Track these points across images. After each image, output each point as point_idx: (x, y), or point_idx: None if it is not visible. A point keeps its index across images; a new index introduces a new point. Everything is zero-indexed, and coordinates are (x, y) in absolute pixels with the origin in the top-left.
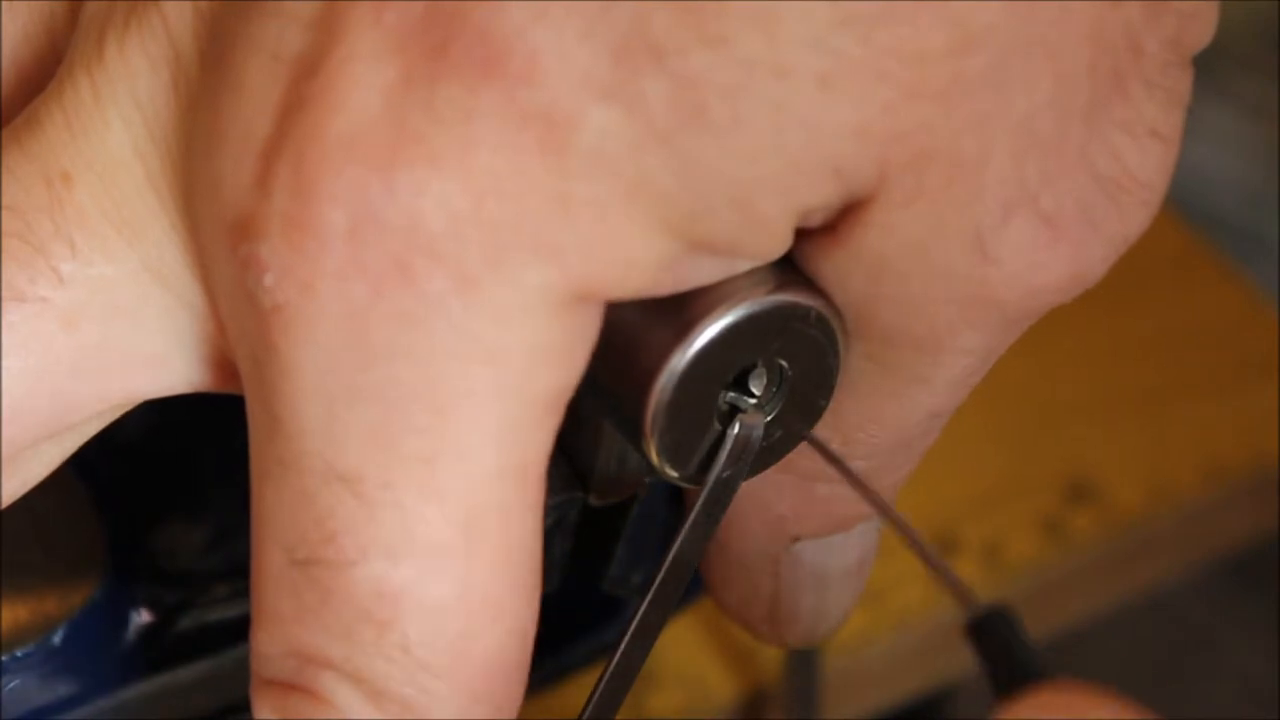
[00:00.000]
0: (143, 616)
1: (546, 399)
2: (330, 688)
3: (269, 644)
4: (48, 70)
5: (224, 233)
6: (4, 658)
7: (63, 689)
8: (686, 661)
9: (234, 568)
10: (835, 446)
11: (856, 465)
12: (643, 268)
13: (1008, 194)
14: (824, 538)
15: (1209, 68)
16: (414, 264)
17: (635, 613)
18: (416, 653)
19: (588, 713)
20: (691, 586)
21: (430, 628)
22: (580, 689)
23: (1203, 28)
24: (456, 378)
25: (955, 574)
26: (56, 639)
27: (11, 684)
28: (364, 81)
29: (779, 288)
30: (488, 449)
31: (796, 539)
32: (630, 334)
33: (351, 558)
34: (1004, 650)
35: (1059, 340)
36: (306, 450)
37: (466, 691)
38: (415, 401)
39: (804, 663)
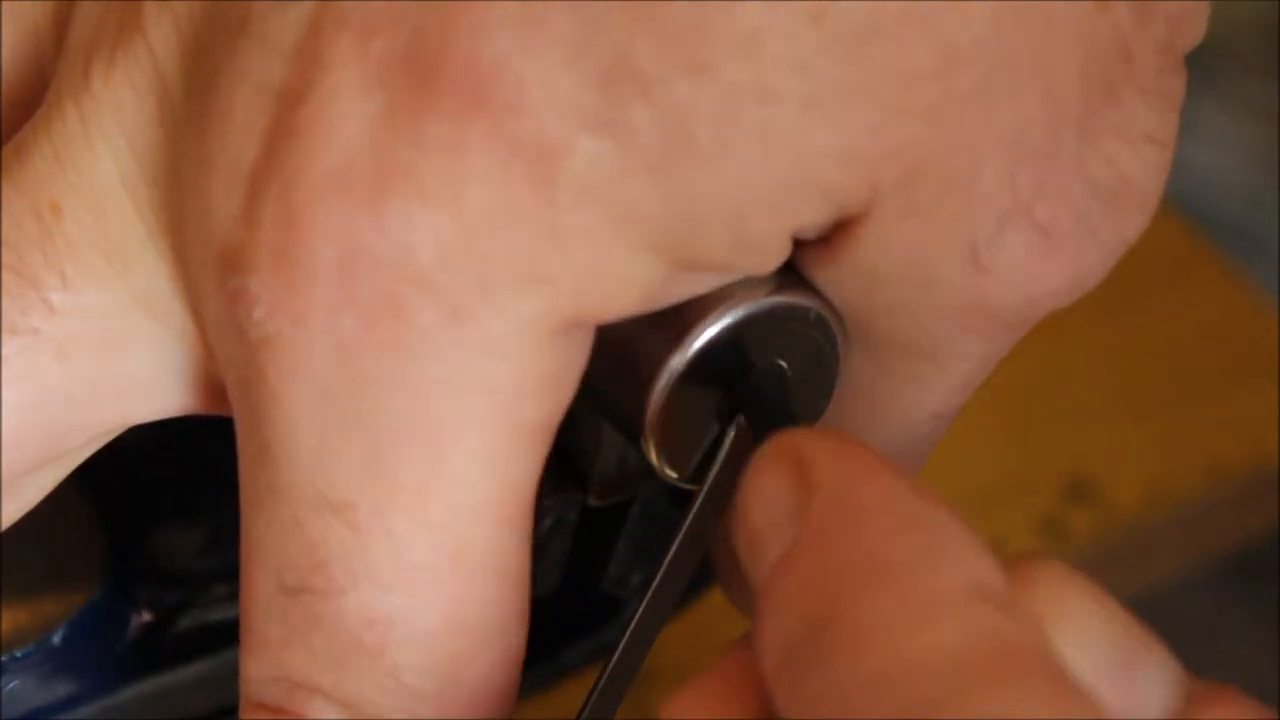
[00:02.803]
0: (142, 616)
1: (537, 426)
2: (319, 713)
3: (258, 668)
4: (35, 95)
5: (213, 264)
6: (4, 658)
7: (62, 689)
8: (686, 661)
9: (233, 568)
10: None
11: None
12: (634, 291)
13: (1001, 206)
14: None
15: (1209, 68)
16: (404, 296)
17: (635, 613)
18: (406, 680)
19: (586, 713)
20: (691, 586)
21: (420, 655)
22: (580, 689)
23: (1193, 29)
24: (448, 408)
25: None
26: (56, 639)
27: (11, 684)
28: (350, 113)
29: (778, 289)
30: (479, 477)
31: None
32: (630, 335)
33: (342, 586)
34: (772, 410)
35: (1059, 340)
36: (297, 479)
37: (455, 717)
38: (406, 431)
39: None
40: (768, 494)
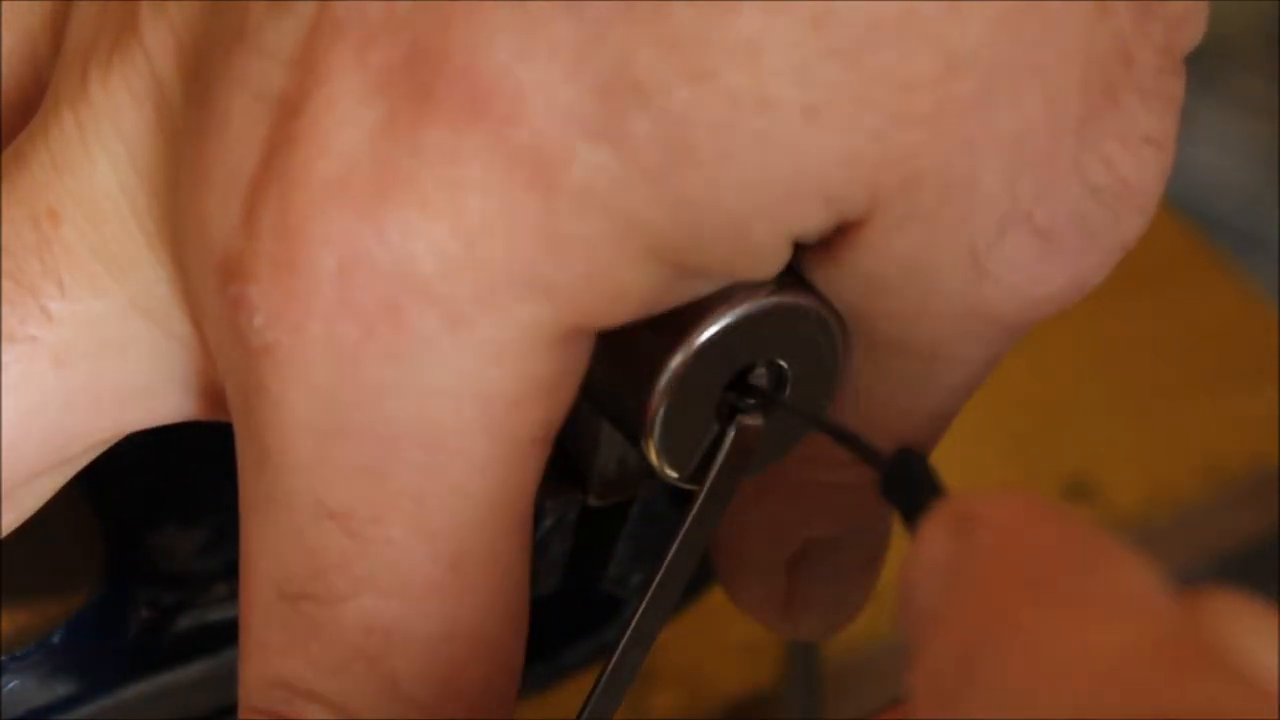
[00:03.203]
0: (142, 616)
1: (537, 434)
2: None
3: (257, 674)
4: (33, 100)
5: (212, 272)
6: (4, 658)
7: (62, 689)
8: (686, 661)
9: (233, 568)
10: (835, 449)
11: (860, 470)
12: (634, 298)
13: (1001, 211)
14: (835, 535)
15: (1209, 68)
16: (405, 305)
17: (635, 612)
18: (405, 688)
19: (586, 712)
20: (691, 586)
21: (419, 663)
22: (580, 689)
23: (1192, 30)
24: (448, 416)
25: (866, 441)
26: (56, 639)
27: (11, 684)
28: (349, 122)
29: (779, 289)
30: (478, 484)
31: (808, 537)
32: (630, 335)
33: (341, 594)
34: (917, 492)
35: (1059, 340)
36: (296, 486)
37: None
38: (406, 438)
39: (804, 661)
40: (925, 548)
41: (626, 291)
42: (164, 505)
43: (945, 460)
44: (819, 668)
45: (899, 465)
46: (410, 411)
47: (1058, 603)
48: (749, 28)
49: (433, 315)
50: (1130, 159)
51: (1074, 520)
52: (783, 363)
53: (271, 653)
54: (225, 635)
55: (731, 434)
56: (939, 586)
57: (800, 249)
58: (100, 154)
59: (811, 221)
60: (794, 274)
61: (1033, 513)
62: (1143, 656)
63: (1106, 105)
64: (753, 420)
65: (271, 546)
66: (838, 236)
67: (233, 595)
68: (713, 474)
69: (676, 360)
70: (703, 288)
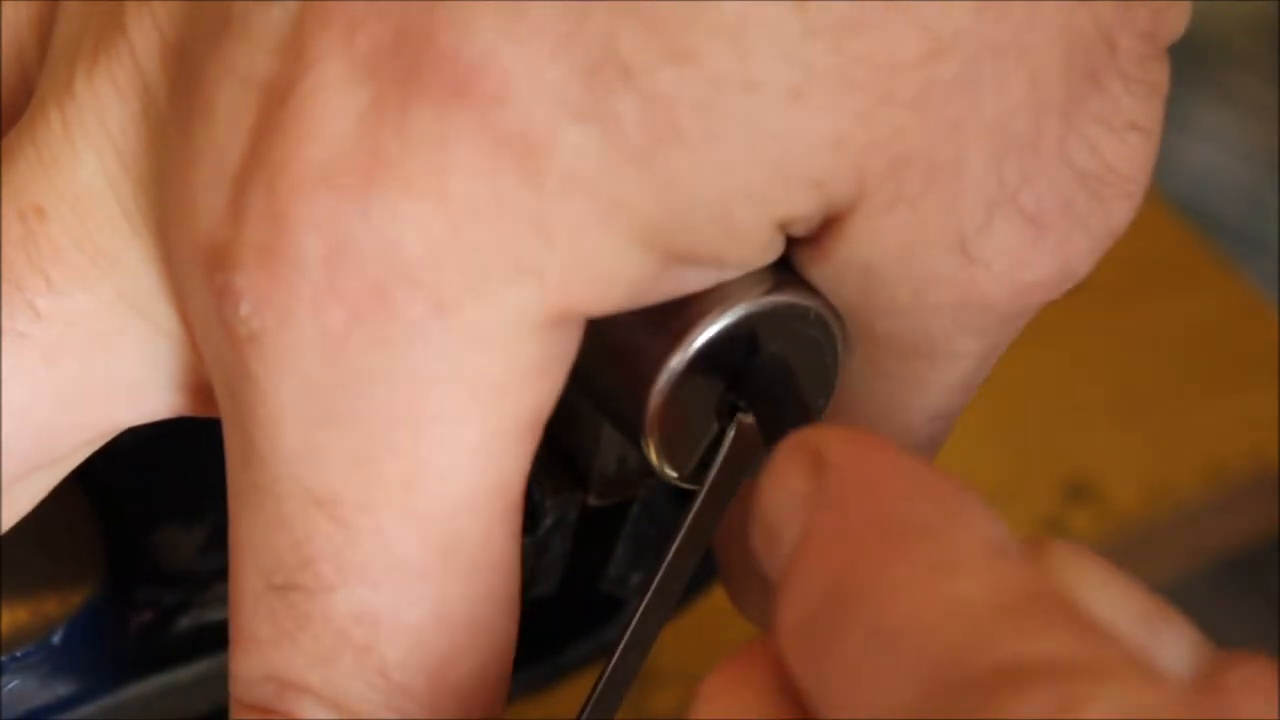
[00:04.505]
0: (142, 616)
1: (526, 419)
2: (309, 712)
3: (247, 668)
4: (20, 103)
5: (199, 261)
6: (4, 658)
7: (62, 689)
8: (686, 661)
9: None
10: None
11: None
12: (622, 284)
13: (988, 195)
14: None
15: (1209, 68)
16: (391, 290)
17: (635, 612)
18: (395, 677)
19: (587, 713)
20: (691, 586)
21: (409, 652)
22: (580, 689)
23: (1176, 18)
24: (435, 400)
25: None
26: (56, 639)
27: (11, 684)
28: (336, 107)
29: (777, 288)
30: (466, 471)
31: None
32: (629, 334)
33: (330, 583)
34: (779, 401)
35: (1059, 340)
36: (283, 475)
37: (445, 715)
38: (393, 424)
39: None
40: (783, 483)
41: (614, 276)
42: (164, 505)
43: (945, 460)
44: None
45: (767, 371)
46: (397, 398)
47: (913, 554)
48: (733, 9)
49: (420, 300)
50: (1116, 144)
51: (925, 466)
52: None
53: (261, 645)
54: (225, 635)
55: (731, 434)
56: (797, 521)
57: (794, 245)
58: (86, 149)
59: (798, 206)
60: (792, 273)
61: (882, 453)
62: (1002, 607)
63: (1090, 90)
64: (753, 420)
65: (260, 537)
66: (828, 229)
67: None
68: (713, 474)
69: (676, 360)
70: (692, 278)
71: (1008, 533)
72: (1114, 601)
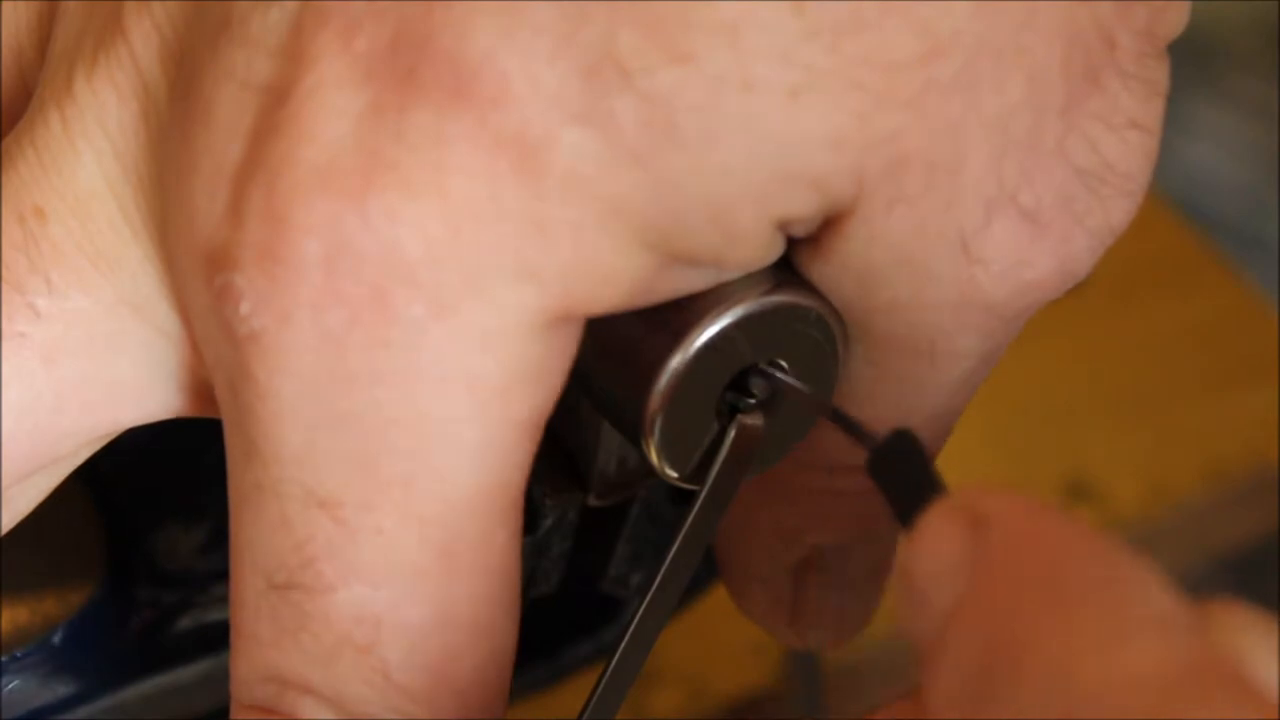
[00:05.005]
0: (142, 616)
1: (525, 419)
2: (309, 712)
3: (248, 668)
4: (20, 106)
5: (199, 263)
6: (4, 658)
7: (63, 689)
8: (686, 661)
9: None
10: (838, 453)
11: (860, 478)
12: (622, 284)
13: (987, 194)
14: (841, 544)
15: (1209, 68)
16: (391, 291)
17: (635, 613)
18: (396, 677)
19: (587, 713)
20: (691, 586)
21: (410, 652)
22: (580, 689)
23: (1175, 16)
24: (435, 401)
25: (856, 421)
26: (56, 639)
27: (11, 684)
28: (334, 109)
29: (777, 288)
30: (466, 471)
31: (814, 546)
32: (630, 335)
33: (330, 583)
34: (909, 478)
35: (1059, 340)
36: (284, 476)
37: (446, 715)
38: (394, 425)
39: (804, 663)
40: (937, 546)
41: (613, 277)
42: (164, 505)
43: (946, 460)
44: (820, 668)
45: (891, 444)
46: (398, 398)
47: (1080, 619)
48: (731, 9)
49: (419, 301)
50: (1115, 142)
51: (1085, 528)
52: (782, 363)
53: (262, 645)
54: (225, 635)
55: (731, 434)
56: (953, 586)
57: (794, 245)
58: (86, 151)
59: (798, 206)
60: (792, 273)
61: (1044, 516)
62: (1166, 680)
63: (1089, 88)
64: (753, 420)
65: (261, 537)
66: (828, 229)
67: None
68: (713, 474)
69: (676, 360)
70: (692, 278)
71: (1176, 598)
72: (1273, 665)
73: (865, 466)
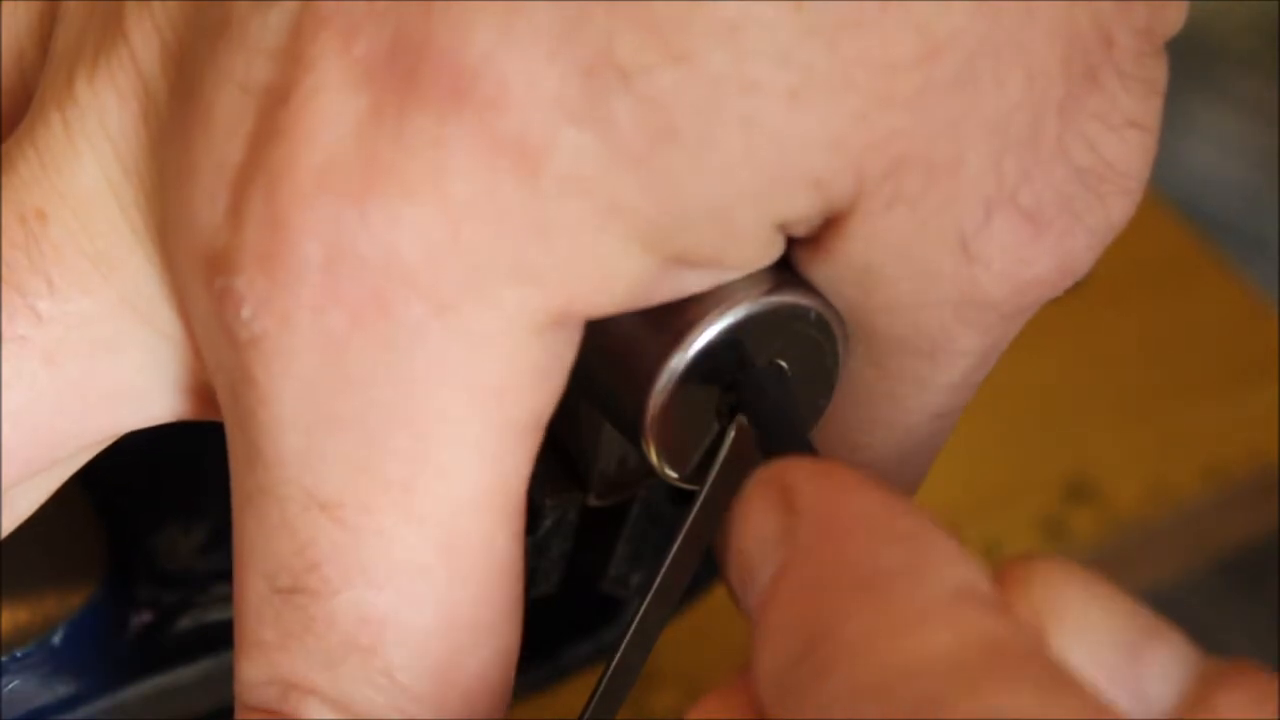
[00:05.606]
0: (142, 616)
1: (526, 421)
2: (314, 715)
3: (253, 671)
4: (21, 107)
5: (199, 266)
6: (4, 658)
7: (63, 689)
8: (686, 661)
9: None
10: (839, 450)
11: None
12: (621, 285)
13: (987, 193)
14: None
15: (1209, 68)
16: (391, 293)
17: (635, 613)
18: (400, 678)
19: (588, 713)
20: (692, 587)
21: (414, 653)
22: (580, 689)
23: (1174, 15)
24: (436, 404)
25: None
26: (56, 639)
27: (11, 684)
28: (333, 112)
29: (777, 288)
30: (468, 472)
31: None
32: (630, 335)
33: (334, 585)
34: (777, 411)
35: (1059, 340)
36: (286, 479)
37: (450, 716)
38: (395, 427)
39: None
40: (755, 521)
41: (613, 278)
42: (164, 505)
43: (946, 460)
44: None
45: (763, 376)
46: (398, 400)
47: (880, 600)
48: (730, 9)
49: (419, 304)
50: (1114, 140)
51: (891, 499)
52: (782, 363)
53: (266, 648)
54: (225, 635)
55: (732, 434)
56: (771, 562)
57: (794, 246)
58: (87, 152)
59: (797, 207)
60: (792, 273)
61: (851, 489)
62: (962, 661)
63: (1088, 86)
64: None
65: (263, 540)
66: (828, 229)
67: (233, 595)
68: (713, 474)
69: (676, 360)
70: (692, 279)
71: (978, 572)
72: (1096, 628)
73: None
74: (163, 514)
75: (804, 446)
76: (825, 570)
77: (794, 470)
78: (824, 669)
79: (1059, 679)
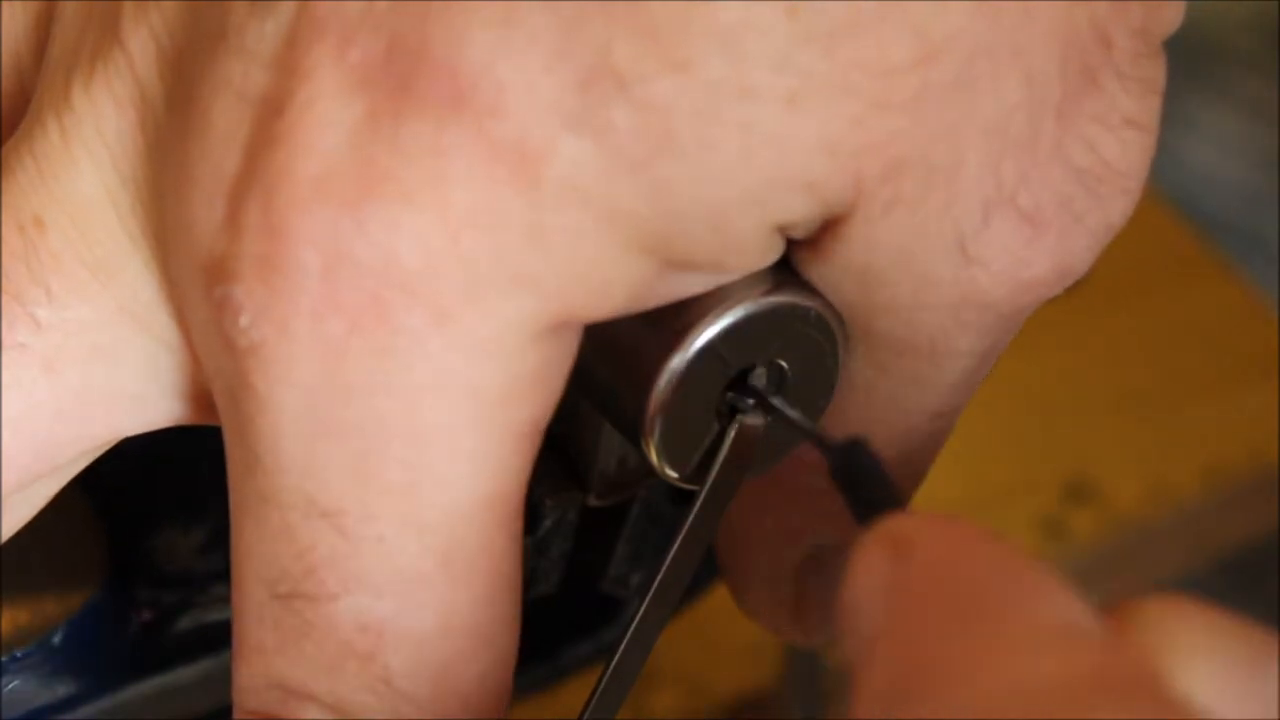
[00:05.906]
0: (142, 616)
1: (525, 427)
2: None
3: (251, 676)
4: (18, 112)
5: (198, 274)
6: (4, 658)
7: (63, 689)
8: (686, 661)
9: None
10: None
11: None
12: (620, 291)
13: (985, 195)
14: (844, 541)
15: (1209, 68)
16: (390, 301)
17: (635, 613)
18: (399, 685)
19: (588, 713)
20: (691, 586)
21: (412, 660)
22: (580, 689)
23: (1170, 15)
24: (435, 410)
25: (819, 429)
26: (56, 639)
27: (11, 684)
28: (330, 120)
29: (777, 288)
30: (467, 479)
31: (815, 546)
32: (630, 335)
33: (333, 591)
34: (866, 484)
35: (1059, 340)
36: (286, 485)
37: None
38: (394, 434)
39: (804, 661)
40: (867, 571)
41: (612, 284)
42: (164, 505)
43: (946, 461)
44: (819, 669)
45: (846, 453)
46: (398, 408)
47: (987, 635)
48: (727, 16)
49: (418, 311)
50: (1112, 141)
51: (1007, 550)
52: (782, 363)
53: (265, 653)
54: (225, 635)
55: (731, 434)
56: (876, 611)
57: (794, 247)
58: (84, 159)
59: (795, 211)
60: (792, 274)
61: (966, 540)
62: (1072, 686)
63: (1086, 88)
64: (753, 420)
65: (263, 546)
66: (827, 231)
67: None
68: (713, 474)
69: (676, 361)
70: (691, 283)
71: (1084, 607)
72: (1206, 662)
73: (829, 476)
74: (162, 515)
75: (900, 505)
76: (933, 610)
77: (913, 523)
78: (930, 692)
79: (1169, 705)
